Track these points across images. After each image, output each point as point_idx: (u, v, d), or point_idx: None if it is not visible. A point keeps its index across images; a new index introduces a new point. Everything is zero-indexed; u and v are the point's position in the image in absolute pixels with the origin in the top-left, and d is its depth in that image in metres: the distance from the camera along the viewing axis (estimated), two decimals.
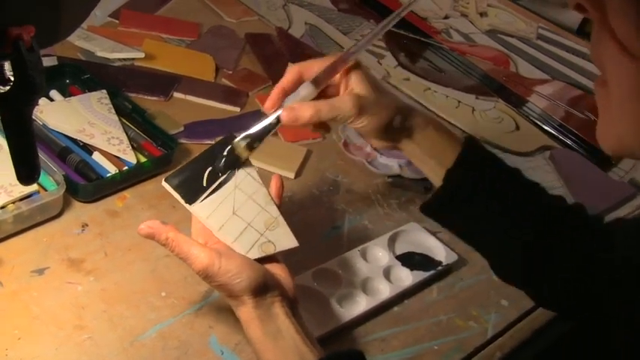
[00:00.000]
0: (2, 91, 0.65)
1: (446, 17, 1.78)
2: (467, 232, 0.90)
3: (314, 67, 0.83)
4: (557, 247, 0.83)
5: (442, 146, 0.86)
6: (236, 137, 0.82)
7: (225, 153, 0.82)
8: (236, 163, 0.82)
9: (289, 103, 0.81)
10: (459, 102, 1.45)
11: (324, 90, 0.83)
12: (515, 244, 0.84)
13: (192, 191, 0.80)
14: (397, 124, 0.85)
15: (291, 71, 0.84)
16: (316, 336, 0.80)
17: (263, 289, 0.75)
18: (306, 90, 0.81)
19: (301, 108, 0.80)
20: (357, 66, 0.84)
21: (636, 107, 0.52)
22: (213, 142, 0.85)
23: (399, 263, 1.00)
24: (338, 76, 0.84)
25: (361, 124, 0.83)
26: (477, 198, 0.84)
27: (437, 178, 0.86)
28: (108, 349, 0.82)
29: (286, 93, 0.83)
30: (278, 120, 0.80)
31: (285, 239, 0.81)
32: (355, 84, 0.83)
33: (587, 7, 0.53)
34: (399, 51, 1.60)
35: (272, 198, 0.83)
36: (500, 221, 0.85)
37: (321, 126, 0.87)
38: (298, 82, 0.83)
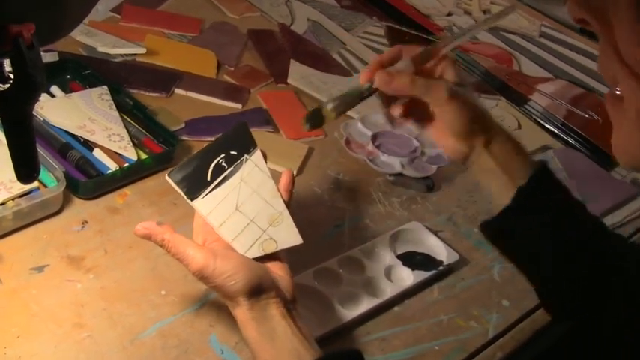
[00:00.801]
0: (2, 89, 0.64)
1: (449, 14, 1.78)
2: (522, 254, 0.87)
3: (415, 49, 0.84)
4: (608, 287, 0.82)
5: (517, 164, 0.84)
6: (247, 125, 0.83)
7: (242, 137, 0.82)
8: (249, 146, 0.82)
9: None
10: None
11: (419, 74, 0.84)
12: (567, 279, 0.83)
13: (195, 186, 0.79)
14: (478, 127, 0.84)
15: (393, 49, 0.85)
16: (317, 336, 0.79)
17: (258, 290, 0.75)
18: (403, 64, 0.82)
19: (399, 75, 0.81)
20: (450, 61, 0.85)
21: None
22: (214, 140, 0.84)
23: (400, 262, 0.99)
24: (433, 65, 0.85)
25: (448, 113, 0.82)
26: (543, 223, 0.82)
27: (505, 195, 0.83)
28: (107, 347, 0.82)
29: (384, 66, 0.83)
30: (370, 89, 0.82)
31: (289, 236, 0.81)
32: (450, 74, 0.84)
33: (590, 22, 0.52)
34: None
35: (279, 191, 0.82)
36: (558, 253, 0.83)
37: (412, 109, 0.86)
38: (396, 60, 0.84)
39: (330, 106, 0.81)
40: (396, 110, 0.85)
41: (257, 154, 0.83)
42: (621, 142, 0.55)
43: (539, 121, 1.43)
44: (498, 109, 1.45)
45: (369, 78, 0.82)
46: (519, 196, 0.82)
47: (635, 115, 0.52)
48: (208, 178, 0.80)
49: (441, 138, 0.85)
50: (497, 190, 0.85)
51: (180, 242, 0.75)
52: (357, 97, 0.82)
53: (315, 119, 0.82)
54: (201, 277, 0.74)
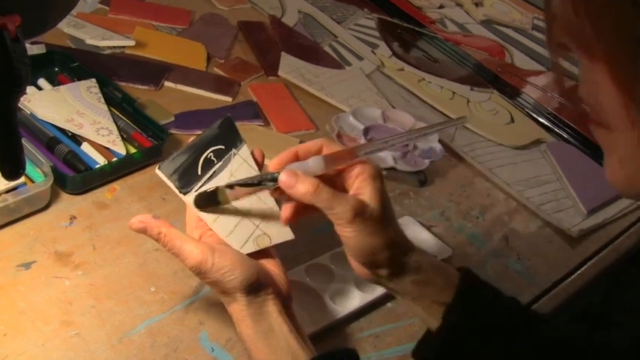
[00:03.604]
0: None
1: (441, 7, 1.77)
2: None
3: (334, 147, 0.77)
4: None
5: (435, 288, 0.76)
6: (232, 119, 0.81)
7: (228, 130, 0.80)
8: (236, 140, 0.81)
9: (293, 167, 0.74)
10: (454, 93, 1.44)
11: (334, 181, 0.76)
12: None
13: (186, 180, 0.78)
14: (384, 259, 0.74)
15: (315, 143, 0.78)
16: (308, 333, 0.79)
17: (256, 286, 0.73)
18: (314, 163, 0.73)
19: (304, 179, 0.72)
20: (377, 177, 0.75)
21: None
22: (200, 133, 0.83)
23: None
24: (355, 173, 0.74)
25: (348, 237, 0.73)
26: (477, 339, 0.76)
27: (430, 318, 0.77)
28: (96, 345, 0.81)
29: (298, 158, 0.77)
30: (275, 181, 0.73)
31: (281, 231, 0.80)
32: (366, 190, 0.73)
33: (575, 51, 0.50)
34: (393, 40, 1.58)
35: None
36: None
37: (304, 211, 0.78)
38: (315, 153, 0.77)
39: (225, 189, 0.76)
40: (286, 211, 0.78)
41: (244, 149, 0.82)
42: (614, 167, 0.52)
43: (531, 113, 1.42)
44: (491, 102, 1.44)
45: (277, 168, 0.75)
46: (448, 316, 0.75)
47: (631, 142, 0.49)
48: (199, 172, 0.78)
49: (346, 251, 0.76)
50: (421, 313, 0.78)
51: (177, 237, 0.74)
52: (256, 185, 0.75)
53: (208, 201, 0.77)
54: (199, 272, 0.73)
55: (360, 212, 0.71)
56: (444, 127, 0.83)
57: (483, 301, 0.77)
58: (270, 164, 0.77)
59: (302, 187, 0.72)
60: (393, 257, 0.74)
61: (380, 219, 0.73)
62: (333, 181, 0.75)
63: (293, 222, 0.79)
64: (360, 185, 0.74)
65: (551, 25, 0.51)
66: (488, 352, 0.75)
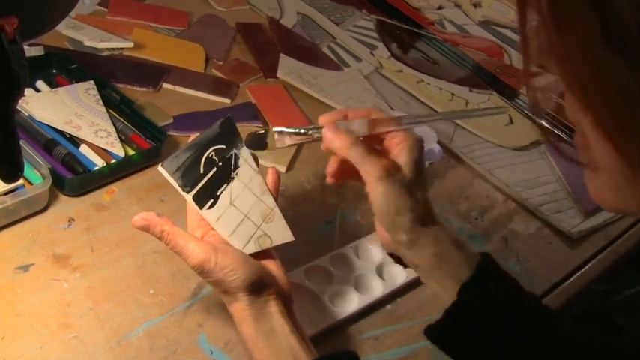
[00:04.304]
0: None
1: (439, 8, 1.77)
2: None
3: (381, 114, 0.79)
4: None
5: (451, 265, 0.77)
6: (233, 119, 0.82)
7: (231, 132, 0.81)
8: (237, 141, 0.81)
9: (339, 125, 0.78)
10: (453, 95, 1.43)
11: (377, 148, 0.78)
12: None
13: (188, 178, 0.77)
14: (404, 223, 0.75)
15: (365, 109, 0.80)
16: (308, 335, 0.78)
17: (258, 286, 0.73)
18: (359, 124, 0.77)
19: (343, 135, 0.76)
20: (415, 148, 0.76)
21: (627, 174, 0.47)
22: (200, 133, 0.83)
23: (391, 260, 0.98)
24: (395, 142, 0.77)
25: (375, 192, 0.74)
26: (491, 328, 0.75)
27: (443, 294, 0.77)
28: (94, 347, 0.80)
29: (345, 117, 0.79)
30: (320, 133, 0.78)
31: (281, 232, 0.80)
32: (402, 158, 0.75)
33: (552, 72, 0.48)
34: (392, 42, 1.58)
35: (268, 188, 0.81)
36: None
37: (345, 172, 0.81)
38: (362, 117, 0.79)
39: (275, 135, 0.80)
40: (330, 167, 0.82)
41: (244, 150, 0.82)
42: (598, 187, 0.51)
43: (529, 114, 1.42)
44: (490, 103, 1.44)
45: (326, 123, 0.78)
46: (463, 294, 0.75)
47: (612, 167, 0.48)
48: (201, 171, 0.78)
49: (376, 218, 0.79)
50: (436, 287, 0.79)
51: (180, 235, 0.74)
52: (303, 135, 0.79)
53: (257, 143, 0.81)
54: (201, 271, 0.73)
55: (390, 172, 0.74)
56: (482, 113, 0.89)
57: (499, 286, 0.78)
58: (321, 118, 0.80)
59: (339, 142, 0.75)
60: (414, 223, 0.75)
61: (409, 185, 0.75)
62: (376, 148, 0.78)
63: (335, 180, 0.82)
64: (398, 153, 0.76)
65: (527, 48, 0.50)
66: (495, 337, 0.75)
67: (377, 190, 0.74)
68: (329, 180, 0.83)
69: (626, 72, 0.42)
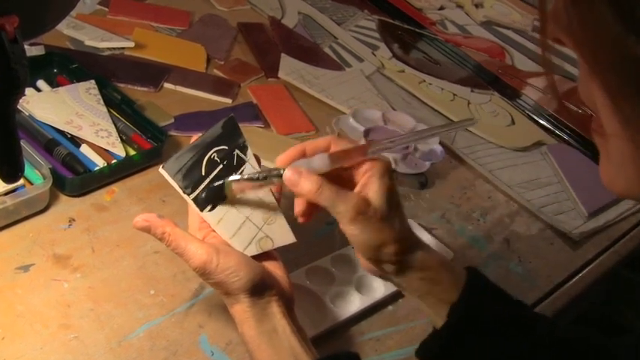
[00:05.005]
0: None
1: (441, 8, 1.77)
2: None
3: (343, 143, 0.76)
4: None
5: (442, 285, 0.75)
6: (235, 118, 0.80)
7: (230, 132, 0.79)
8: (239, 141, 0.80)
9: (299, 165, 0.74)
10: (455, 95, 1.43)
11: (343, 176, 0.75)
12: None
13: (190, 180, 0.76)
14: (389, 254, 0.73)
15: (324, 140, 0.77)
16: (309, 336, 0.78)
17: (260, 287, 0.73)
18: (320, 161, 0.73)
19: (307, 177, 0.72)
20: (385, 174, 0.74)
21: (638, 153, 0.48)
22: (202, 133, 0.82)
23: None
24: (363, 170, 0.74)
25: (352, 231, 0.72)
26: (483, 343, 0.75)
27: (435, 316, 0.76)
28: (94, 348, 0.80)
29: (304, 155, 0.76)
30: (280, 176, 0.74)
31: (283, 234, 0.79)
32: (372, 188, 0.73)
33: (568, 45, 0.48)
34: (393, 42, 1.58)
35: (270, 189, 0.81)
36: None
37: (315, 207, 0.77)
38: (323, 150, 0.76)
39: (232, 182, 0.76)
40: (299, 206, 0.78)
41: (247, 150, 0.81)
42: (610, 171, 0.51)
43: (532, 115, 1.42)
44: (491, 104, 1.43)
45: (286, 163, 0.75)
46: (453, 315, 0.74)
47: (624, 149, 0.48)
48: (203, 172, 0.77)
49: (354, 248, 0.76)
50: (428, 310, 0.77)
51: (182, 237, 0.73)
52: (262, 180, 0.75)
53: (216, 196, 0.77)
54: (203, 273, 0.72)
55: (362, 211, 0.71)
56: (450, 128, 0.83)
57: (488, 301, 0.77)
58: (278, 160, 0.76)
59: (305, 185, 0.72)
60: (398, 254, 0.73)
61: (384, 217, 0.72)
62: (341, 176, 0.75)
63: (306, 218, 0.78)
64: (366, 182, 0.73)
65: (545, 23, 0.50)
66: (490, 352, 0.75)
67: (354, 231, 0.72)
68: (300, 220, 0.79)
69: (633, 38, 0.43)
